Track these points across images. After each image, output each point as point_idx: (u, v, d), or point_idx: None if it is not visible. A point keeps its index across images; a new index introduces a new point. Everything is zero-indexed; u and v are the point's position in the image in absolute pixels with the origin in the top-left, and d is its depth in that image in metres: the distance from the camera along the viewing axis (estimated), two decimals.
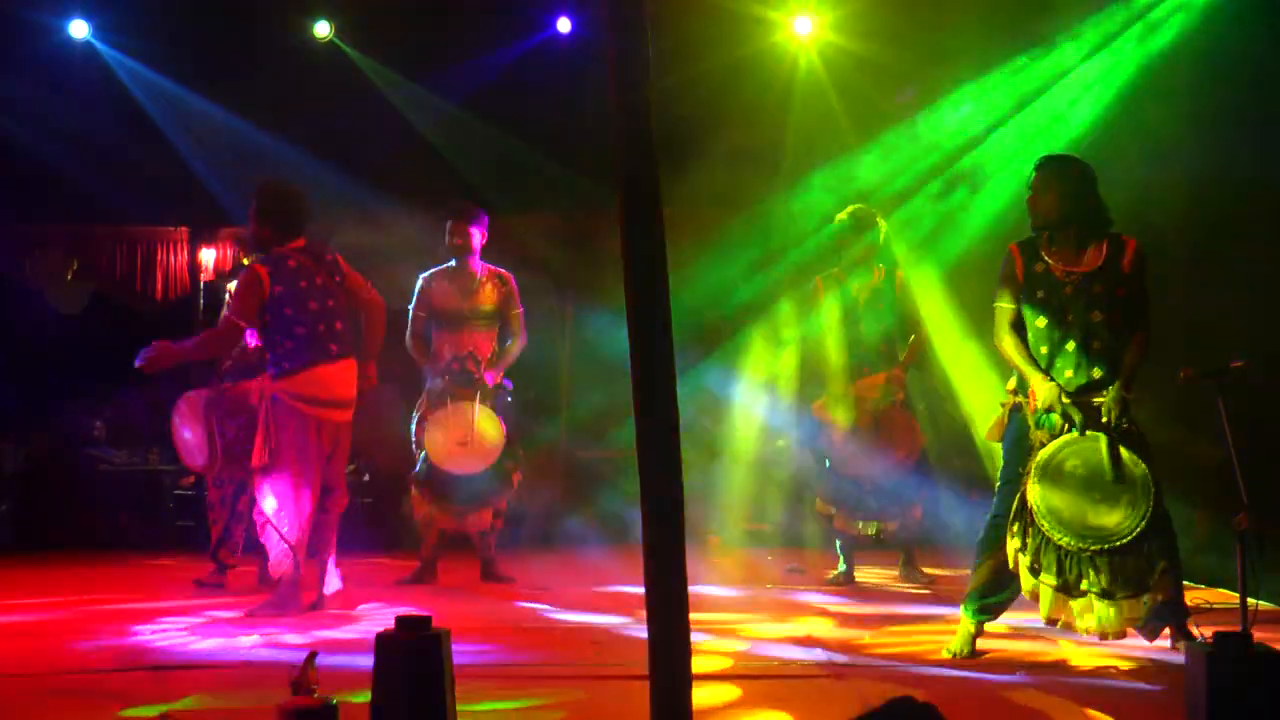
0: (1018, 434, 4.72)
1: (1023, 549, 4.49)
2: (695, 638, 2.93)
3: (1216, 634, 3.34)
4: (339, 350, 5.85)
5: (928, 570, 6.96)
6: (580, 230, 9.79)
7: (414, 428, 6.82)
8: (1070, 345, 4.61)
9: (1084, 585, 4.40)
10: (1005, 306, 4.77)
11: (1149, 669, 4.54)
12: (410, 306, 6.91)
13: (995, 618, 4.81)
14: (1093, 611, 4.43)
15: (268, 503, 5.72)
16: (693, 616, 2.92)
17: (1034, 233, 4.77)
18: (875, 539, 6.89)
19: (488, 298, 6.83)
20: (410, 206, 8.87)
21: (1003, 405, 4.86)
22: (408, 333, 6.89)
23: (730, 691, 4.16)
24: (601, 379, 9.01)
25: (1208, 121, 6.76)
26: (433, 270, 6.92)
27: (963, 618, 4.78)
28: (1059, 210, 4.64)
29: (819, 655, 4.78)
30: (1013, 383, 4.81)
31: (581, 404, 10.09)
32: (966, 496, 7.47)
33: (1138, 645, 4.78)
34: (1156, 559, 4.41)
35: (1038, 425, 4.60)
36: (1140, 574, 4.40)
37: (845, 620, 5.66)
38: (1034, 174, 4.74)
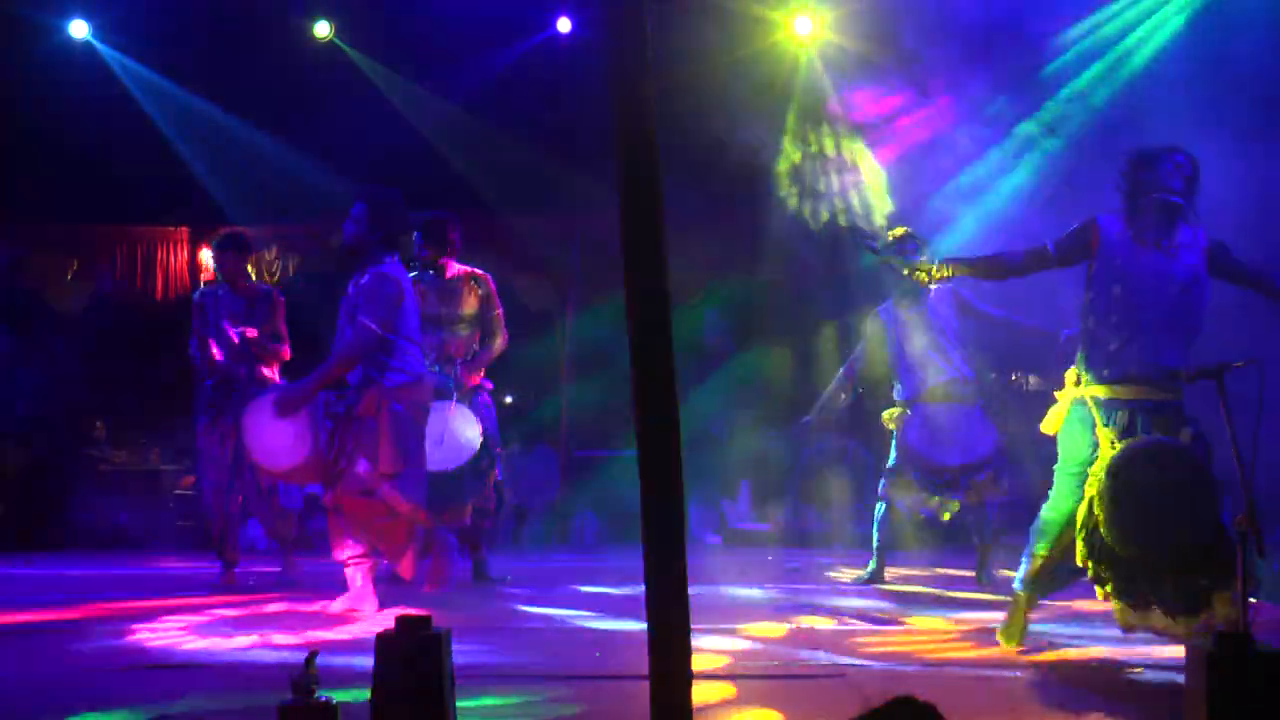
0: (1080, 426, 4.61)
1: (1094, 560, 4.43)
2: (695, 638, 2.92)
3: (1217, 634, 3.34)
4: (426, 360, 6.08)
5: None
6: (580, 230, 9.81)
7: None
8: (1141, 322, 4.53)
9: (1150, 598, 4.36)
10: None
11: (1149, 669, 4.54)
12: None
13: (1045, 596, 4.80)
14: (1159, 618, 4.41)
15: (402, 505, 5.74)
16: (692, 616, 2.91)
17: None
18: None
19: (466, 301, 6.86)
20: (410, 207, 8.86)
21: (1059, 395, 4.77)
22: None
23: (730, 691, 4.16)
24: (601, 379, 9.02)
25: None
26: (412, 276, 6.93)
27: (1018, 599, 4.74)
28: None
29: (819, 655, 4.78)
30: (1073, 373, 4.71)
31: (581, 404, 10.10)
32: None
33: (1138, 645, 4.78)
34: (1221, 573, 4.28)
35: (1105, 423, 4.51)
36: (1203, 588, 4.32)
37: (845, 620, 5.66)
38: None
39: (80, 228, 10.37)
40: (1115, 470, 4.33)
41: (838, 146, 9.42)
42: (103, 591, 6.59)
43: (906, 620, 5.65)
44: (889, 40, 8.56)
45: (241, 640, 5.10)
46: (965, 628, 5.36)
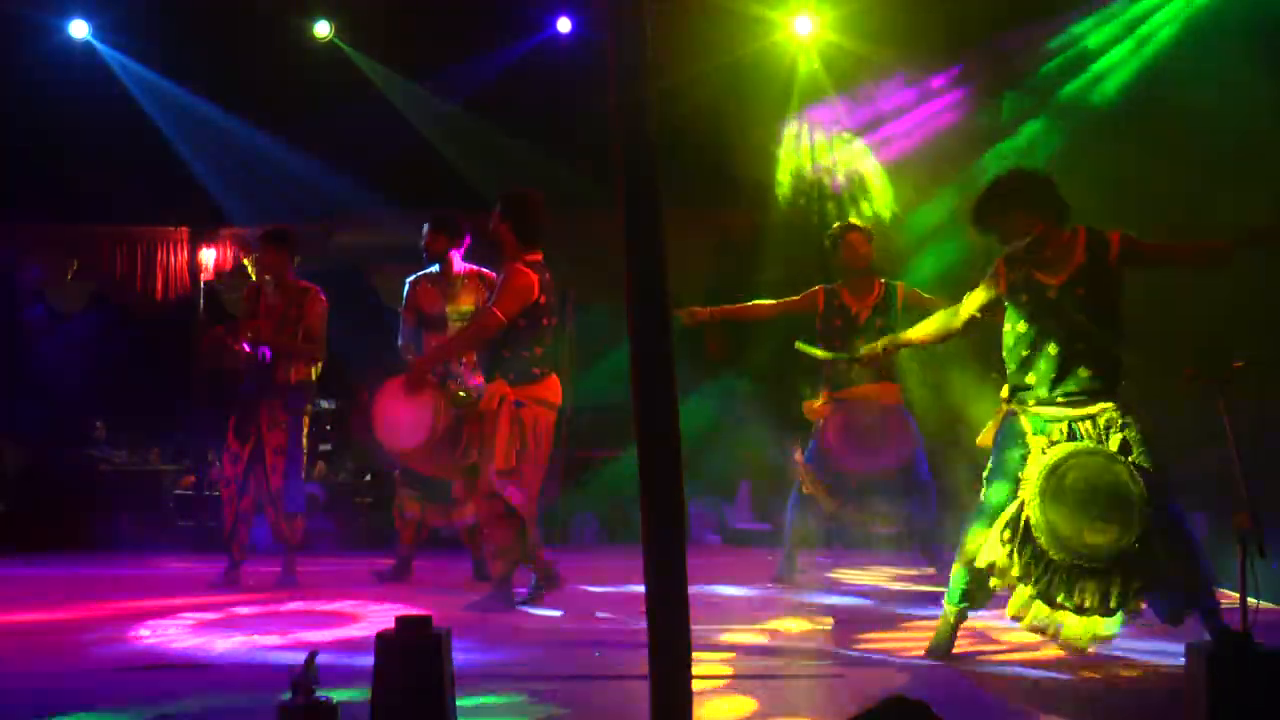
0: (1010, 437, 4.64)
1: (1011, 556, 4.43)
2: (695, 637, 2.92)
3: (1217, 634, 3.34)
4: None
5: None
6: (580, 230, 9.80)
7: None
8: (1052, 349, 4.56)
9: (1062, 600, 4.35)
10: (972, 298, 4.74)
11: (1149, 669, 4.54)
12: (400, 309, 6.96)
13: (976, 609, 4.76)
14: (1068, 623, 4.40)
15: (516, 500, 5.81)
16: (692, 616, 2.92)
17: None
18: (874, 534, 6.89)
19: (469, 299, 6.85)
20: (410, 207, 8.87)
21: (997, 411, 4.82)
22: (399, 335, 6.92)
23: (730, 691, 4.16)
24: (601, 379, 9.02)
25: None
26: (418, 274, 6.96)
27: (945, 612, 4.74)
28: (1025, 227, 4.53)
29: (819, 655, 4.78)
30: (1006, 390, 4.77)
31: (581, 403, 10.09)
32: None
33: (1138, 645, 4.78)
34: (1160, 556, 4.33)
35: (1035, 431, 4.55)
36: (1119, 591, 4.32)
37: (845, 620, 5.65)
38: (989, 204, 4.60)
39: (80, 228, 10.37)
40: (1048, 473, 4.34)
41: (837, 146, 9.43)
42: (103, 591, 6.59)
43: (905, 620, 5.65)
44: (889, 39, 8.57)
45: (242, 640, 5.10)
46: (963, 627, 5.35)
